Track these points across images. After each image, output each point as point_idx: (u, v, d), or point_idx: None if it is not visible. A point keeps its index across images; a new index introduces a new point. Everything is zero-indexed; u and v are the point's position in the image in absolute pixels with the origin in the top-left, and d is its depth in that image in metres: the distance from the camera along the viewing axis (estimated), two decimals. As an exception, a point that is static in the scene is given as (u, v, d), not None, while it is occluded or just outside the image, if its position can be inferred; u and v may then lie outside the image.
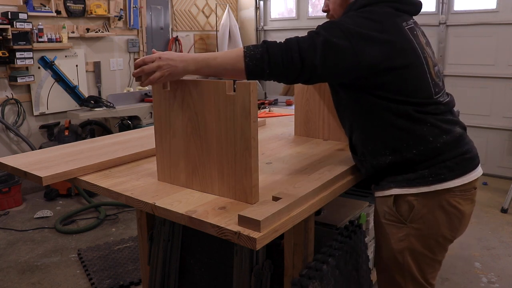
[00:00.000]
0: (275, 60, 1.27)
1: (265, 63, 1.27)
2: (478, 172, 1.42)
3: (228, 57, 1.28)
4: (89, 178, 1.57)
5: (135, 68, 1.28)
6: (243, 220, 1.13)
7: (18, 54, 3.87)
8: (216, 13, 5.96)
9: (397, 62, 1.33)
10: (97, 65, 4.73)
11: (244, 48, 1.28)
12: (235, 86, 1.25)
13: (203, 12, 5.96)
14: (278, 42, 1.30)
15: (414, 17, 1.50)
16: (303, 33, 1.36)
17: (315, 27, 1.37)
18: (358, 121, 1.46)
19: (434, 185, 1.36)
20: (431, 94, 1.39)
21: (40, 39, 4.08)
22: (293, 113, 2.24)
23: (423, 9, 1.56)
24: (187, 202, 1.33)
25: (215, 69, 1.29)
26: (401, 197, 1.40)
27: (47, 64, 4.09)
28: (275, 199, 1.27)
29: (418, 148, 1.35)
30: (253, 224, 1.11)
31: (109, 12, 4.69)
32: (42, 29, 4.10)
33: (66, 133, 4.06)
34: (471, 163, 1.40)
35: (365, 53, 1.29)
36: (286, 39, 1.32)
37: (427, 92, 1.39)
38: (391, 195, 1.42)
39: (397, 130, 1.37)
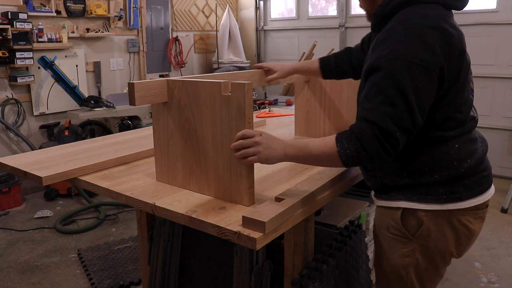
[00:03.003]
0: (373, 157, 1.16)
1: (364, 160, 1.18)
2: (492, 190, 1.34)
3: (323, 152, 1.22)
4: (89, 178, 1.57)
5: (236, 139, 1.24)
6: (247, 222, 1.13)
7: (18, 54, 3.86)
8: (216, 13, 5.96)
9: (457, 78, 1.22)
10: (97, 65, 4.73)
11: (337, 143, 1.18)
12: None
13: (203, 12, 5.95)
14: (369, 128, 1.15)
15: None
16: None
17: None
18: None
19: (448, 204, 1.26)
20: (470, 108, 1.30)
21: (40, 39, 4.08)
22: (293, 113, 2.24)
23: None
24: (187, 202, 1.33)
25: (310, 160, 1.26)
26: (409, 211, 1.30)
27: (47, 64, 4.09)
28: (278, 199, 1.26)
29: (441, 173, 1.25)
30: (258, 225, 1.11)
31: (109, 12, 4.69)
32: (42, 29, 4.10)
33: (66, 133, 4.06)
34: (487, 181, 1.32)
35: (445, 72, 1.16)
36: (370, 118, 1.15)
37: (470, 106, 1.30)
38: (399, 208, 1.31)
39: (421, 153, 1.26)
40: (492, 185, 1.35)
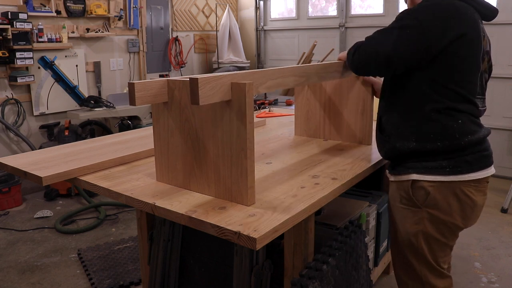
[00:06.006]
0: (359, 57, 1.52)
1: (349, 59, 1.59)
2: (491, 170, 1.52)
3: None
4: (89, 178, 1.57)
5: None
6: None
7: (18, 54, 3.86)
8: (216, 13, 5.96)
9: (463, 51, 1.41)
10: (97, 65, 4.73)
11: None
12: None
13: (203, 12, 5.95)
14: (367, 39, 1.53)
15: None
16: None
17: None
18: (397, 104, 1.54)
19: (451, 176, 1.45)
20: (475, 93, 1.49)
21: (40, 39, 4.07)
22: (293, 113, 2.24)
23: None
24: (187, 202, 1.33)
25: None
26: (418, 183, 1.49)
27: (47, 64, 4.09)
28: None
29: (443, 141, 1.44)
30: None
31: (109, 12, 4.69)
32: (42, 29, 4.09)
33: (66, 133, 4.06)
34: (488, 160, 1.50)
35: (433, 31, 1.38)
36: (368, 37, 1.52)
37: (473, 89, 1.48)
38: (409, 180, 1.50)
39: (429, 120, 1.45)
40: (492, 165, 1.53)
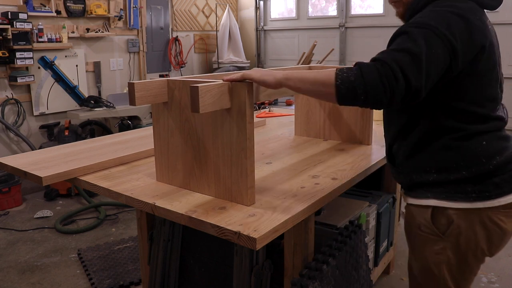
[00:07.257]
0: (368, 89, 1.10)
1: (359, 89, 1.10)
2: None
3: (320, 76, 1.17)
4: (89, 178, 1.57)
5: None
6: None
7: (18, 54, 3.86)
8: (216, 13, 5.96)
9: (480, 66, 1.23)
10: (97, 65, 4.73)
11: (337, 70, 1.15)
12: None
13: (203, 12, 5.95)
14: (373, 63, 1.12)
15: None
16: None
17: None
18: (408, 132, 1.32)
19: (477, 202, 1.25)
20: (496, 106, 1.30)
21: (40, 39, 4.07)
22: (293, 113, 2.24)
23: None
24: (187, 202, 1.33)
25: (303, 82, 1.19)
26: (439, 210, 1.29)
27: (47, 64, 4.09)
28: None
29: (469, 169, 1.24)
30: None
31: (109, 12, 4.69)
32: (42, 29, 4.09)
33: (66, 133, 4.06)
34: None
35: (458, 55, 1.17)
36: (378, 57, 1.14)
37: (495, 103, 1.29)
38: (429, 206, 1.31)
39: (448, 149, 1.26)
40: None
